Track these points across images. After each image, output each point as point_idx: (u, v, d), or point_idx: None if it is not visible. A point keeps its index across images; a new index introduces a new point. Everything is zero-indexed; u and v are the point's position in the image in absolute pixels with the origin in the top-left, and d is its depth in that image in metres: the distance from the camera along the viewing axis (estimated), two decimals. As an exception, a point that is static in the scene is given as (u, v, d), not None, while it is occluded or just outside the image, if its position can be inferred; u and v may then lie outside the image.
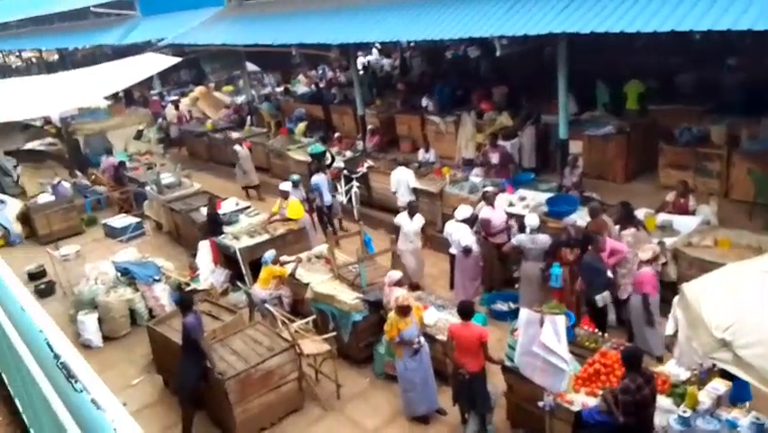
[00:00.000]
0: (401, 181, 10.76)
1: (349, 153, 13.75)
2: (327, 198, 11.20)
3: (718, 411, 5.07)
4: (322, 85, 21.28)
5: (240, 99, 21.43)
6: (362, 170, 12.35)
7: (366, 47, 21.89)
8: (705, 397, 5.16)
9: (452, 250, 8.75)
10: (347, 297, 7.72)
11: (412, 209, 9.24)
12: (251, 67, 21.68)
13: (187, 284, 9.46)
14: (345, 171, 12.27)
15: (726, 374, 5.07)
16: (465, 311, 6.22)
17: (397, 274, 7.29)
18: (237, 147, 14.32)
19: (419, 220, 9.22)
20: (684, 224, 8.21)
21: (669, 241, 7.82)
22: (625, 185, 11.28)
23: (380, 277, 7.82)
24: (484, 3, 10.86)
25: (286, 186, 10.83)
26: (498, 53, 10.17)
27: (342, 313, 7.65)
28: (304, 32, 14.39)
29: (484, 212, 8.88)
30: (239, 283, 9.43)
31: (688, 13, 7.80)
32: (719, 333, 4.19)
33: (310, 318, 7.79)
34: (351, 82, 17.23)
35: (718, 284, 4.78)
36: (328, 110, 17.93)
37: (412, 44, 20.97)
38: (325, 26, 13.98)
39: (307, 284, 8.22)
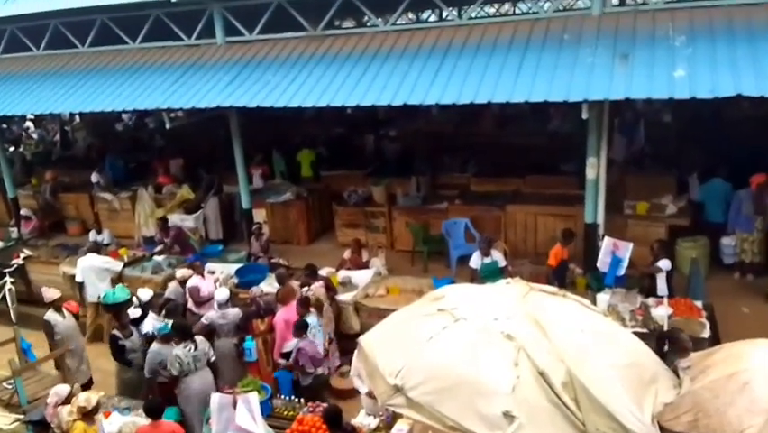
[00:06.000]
0: (87, 270, 9.41)
1: (-1, 244, 11.56)
2: None
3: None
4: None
5: None
6: (18, 261, 10.51)
7: (11, 119, 19.01)
8: (393, 440, 5.51)
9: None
10: (1, 422, 6.28)
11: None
12: None
13: None
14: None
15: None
16: (152, 409, 5.61)
17: (63, 390, 6.15)
18: (54, 316, 7.63)
19: None
20: (361, 277, 8.95)
21: (350, 295, 8.42)
22: (309, 247, 11.90)
23: (46, 389, 6.56)
24: (149, 75, 10.45)
25: None
26: (167, 126, 9.85)
27: (-5, 446, 6.16)
28: None
29: (193, 280, 8.52)
30: None
31: (339, 90, 8.72)
32: (392, 379, 4.51)
33: (-53, 465, 6.11)
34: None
35: (387, 332, 5.21)
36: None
37: (75, 116, 19.08)
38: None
39: (-60, 419, 6.44)
